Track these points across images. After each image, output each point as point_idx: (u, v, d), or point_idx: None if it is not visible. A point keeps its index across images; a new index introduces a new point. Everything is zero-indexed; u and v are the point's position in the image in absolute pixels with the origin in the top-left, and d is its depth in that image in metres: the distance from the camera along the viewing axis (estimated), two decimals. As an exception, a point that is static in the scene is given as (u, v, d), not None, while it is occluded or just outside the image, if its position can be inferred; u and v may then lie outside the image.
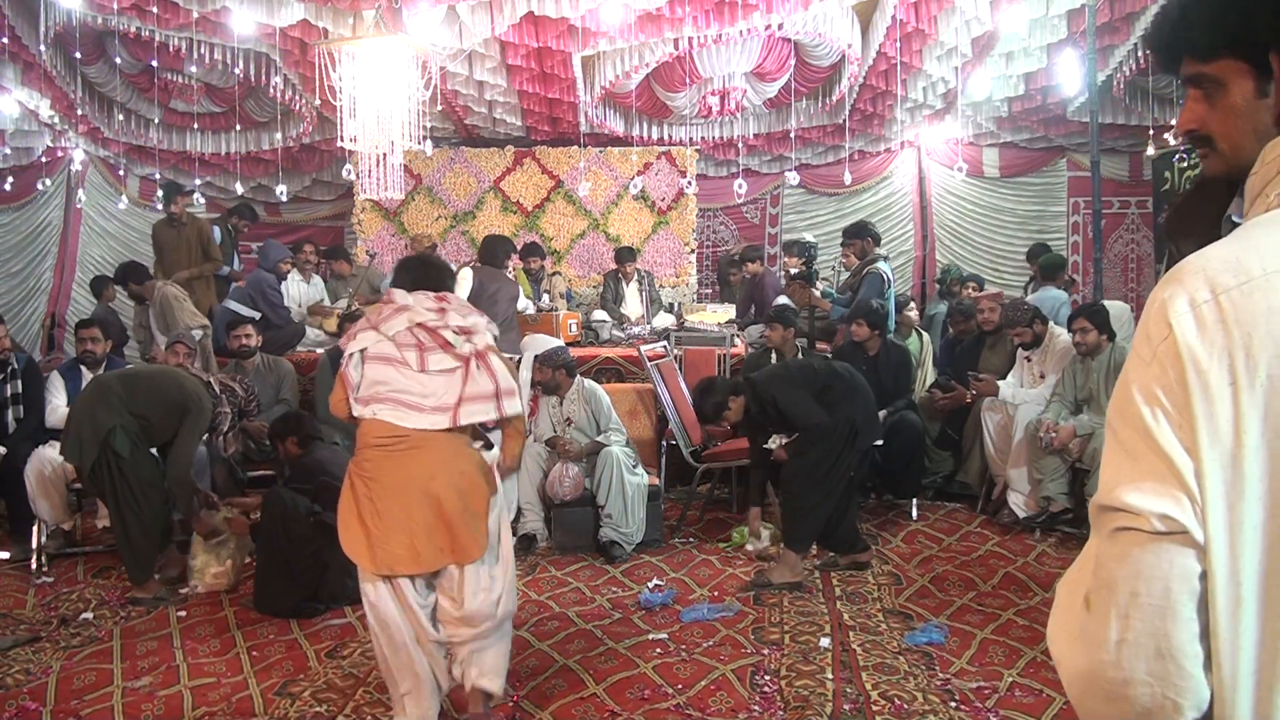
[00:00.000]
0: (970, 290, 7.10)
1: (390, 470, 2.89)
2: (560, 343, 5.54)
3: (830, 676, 3.35)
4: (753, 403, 4.64)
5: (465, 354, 2.98)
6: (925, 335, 6.59)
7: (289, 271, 7.10)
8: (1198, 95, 1.25)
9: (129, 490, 4.24)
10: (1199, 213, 1.45)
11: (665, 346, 6.25)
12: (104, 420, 4.23)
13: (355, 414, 2.97)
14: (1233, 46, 1.20)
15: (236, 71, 6.95)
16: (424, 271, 3.24)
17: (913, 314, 6.73)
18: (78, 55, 6.89)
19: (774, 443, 4.73)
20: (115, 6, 5.93)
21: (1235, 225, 1.36)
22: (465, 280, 5.93)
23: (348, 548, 2.92)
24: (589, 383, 5.41)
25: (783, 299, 6.88)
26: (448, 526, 2.87)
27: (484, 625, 2.93)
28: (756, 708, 3.14)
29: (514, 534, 4.97)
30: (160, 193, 7.27)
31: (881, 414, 5.57)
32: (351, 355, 3.00)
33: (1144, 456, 0.85)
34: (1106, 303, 5.65)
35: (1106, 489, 0.88)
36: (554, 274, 8.57)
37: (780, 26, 6.40)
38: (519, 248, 8.33)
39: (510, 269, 6.31)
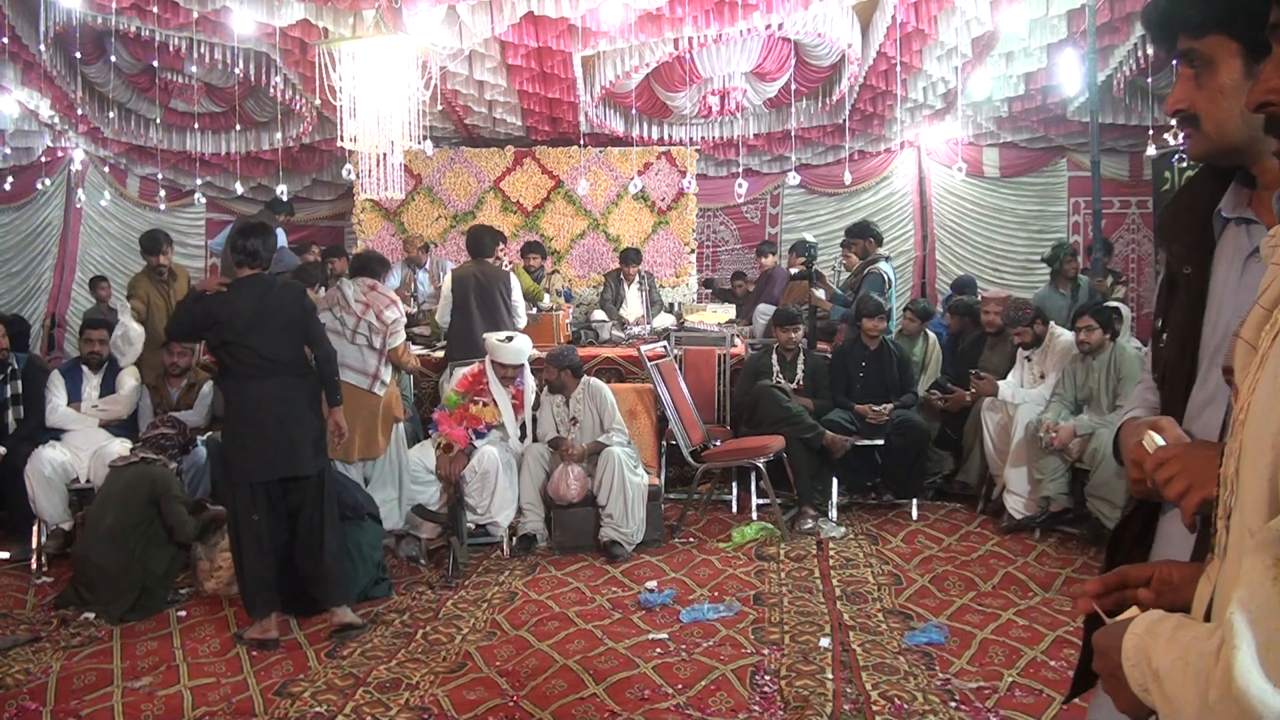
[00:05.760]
0: (1076, 265, 6.76)
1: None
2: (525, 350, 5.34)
3: (830, 676, 3.35)
4: None
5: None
6: (931, 337, 6.57)
7: None
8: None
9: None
10: (1189, 212, 1.45)
11: (665, 346, 6.25)
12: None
13: None
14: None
15: (236, 71, 6.95)
16: (358, 263, 5.08)
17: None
18: (78, 55, 6.89)
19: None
20: (115, 6, 5.92)
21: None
22: (445, 296, 5.85)
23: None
24: (594, 381, 5.38)
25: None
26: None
27: None
28: (756, 708, 3.14)
29: (514, 534, 5.01)
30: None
31: (887, 407, 5.59)
32: None
33: None
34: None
35: None
36: (553, 273, 8.56)
37: (780, 26, 6.39)
38: (520, 247, 8.33)
39: (507, 263, 6.25)
